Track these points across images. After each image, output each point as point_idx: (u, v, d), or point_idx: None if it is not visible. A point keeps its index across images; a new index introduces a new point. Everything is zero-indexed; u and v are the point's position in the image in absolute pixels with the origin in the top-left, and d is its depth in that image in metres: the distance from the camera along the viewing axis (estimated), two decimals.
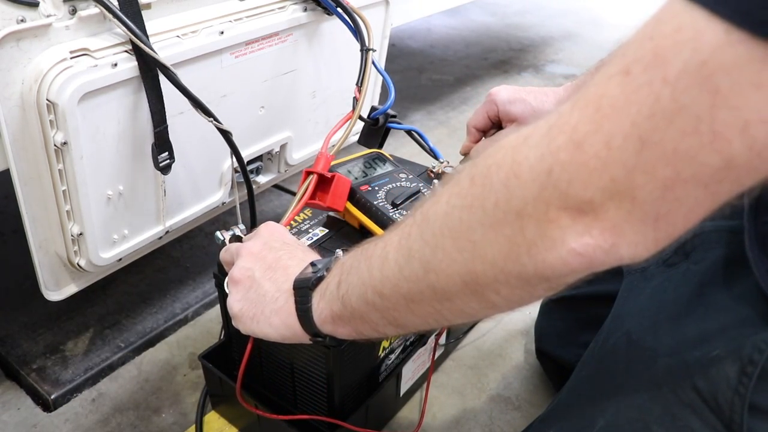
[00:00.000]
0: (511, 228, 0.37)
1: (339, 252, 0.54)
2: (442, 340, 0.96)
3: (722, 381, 0.51)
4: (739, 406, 0.50)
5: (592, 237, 0.35)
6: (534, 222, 0.36)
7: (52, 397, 0.91)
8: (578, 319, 0.89)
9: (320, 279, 0.52)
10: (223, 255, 0.64)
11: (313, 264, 0.55)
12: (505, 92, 0.80)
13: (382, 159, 0.86)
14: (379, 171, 0.84)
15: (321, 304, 0.51)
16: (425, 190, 0.80)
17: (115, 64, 0.70)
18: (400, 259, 0.44)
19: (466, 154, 0.86)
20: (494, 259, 0.38)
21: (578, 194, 0.34)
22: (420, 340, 0.89)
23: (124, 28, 0.69)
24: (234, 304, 0.57)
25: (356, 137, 0.94)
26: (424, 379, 0.95)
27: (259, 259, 0.57)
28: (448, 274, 0.41)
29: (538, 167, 0.35)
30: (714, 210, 0.35)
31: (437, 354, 0.95)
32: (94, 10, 0.69)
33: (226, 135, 0.81)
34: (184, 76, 0.74)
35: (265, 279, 0.56)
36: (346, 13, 0.90)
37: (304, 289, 0.52)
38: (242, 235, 0.74)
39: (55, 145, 0.69)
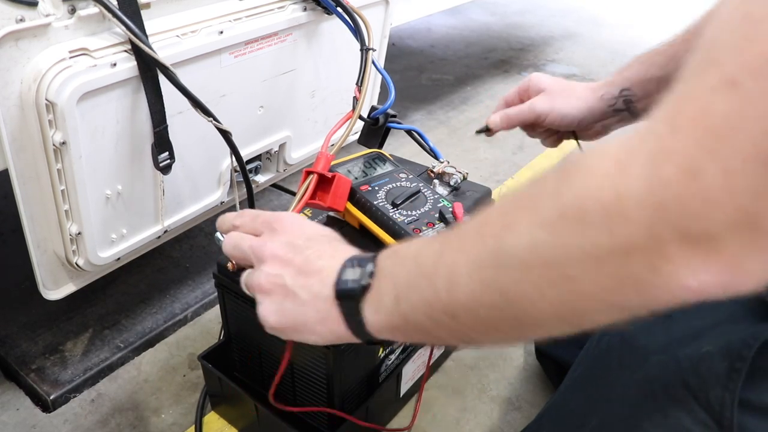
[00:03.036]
0: (616, 266, 0.33)
1: (371, 256, 0.50)
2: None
3: (712, 377, 0.51)
4: (729, 402, 0.50)
5: (710, 274, 0.31)
6: (644, 260, 0.32)
7: (52, 397, 0.90)
8: None
9: (366, 288, 0.48)
10: (232, 250, 0.57)
11: (348, 265, 0.50)
12: (546, 79, 0.83)
13: (382, 159, 0.86)
14: (379, 171, 0.83)
15: (376, 317, 0.47)
16: (425, 190, 0.80)
17: (115, 64, 0.70)
18: (474, 287, 0.40)
19: (487, 127, 0.87)
20: (595, 294, 0.35)
21: (696, 229, 0.31)
22: None
23: (123, 28, 0.68)
24: (269, 316, 0.53)
25: (356, 137, 0.94)
26: (423, 380, 0.95)
27: (285, 263, 0.52)
28: (539, 308, 0.37)
29: (647, 202, 0.31)
30: None
31: (437, 355, 0.95)
32: (94, 9, 0.69)
33: (225, 134, 0.81)
34: (183, 75, 0.74)
35: (298, 287, 0.51)
36: (345, 13, 0.90)
37: (349, 301, 0.48)
38: None
39: (53, 145, 0.69)
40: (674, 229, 0.31)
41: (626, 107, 0.73)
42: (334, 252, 0.53)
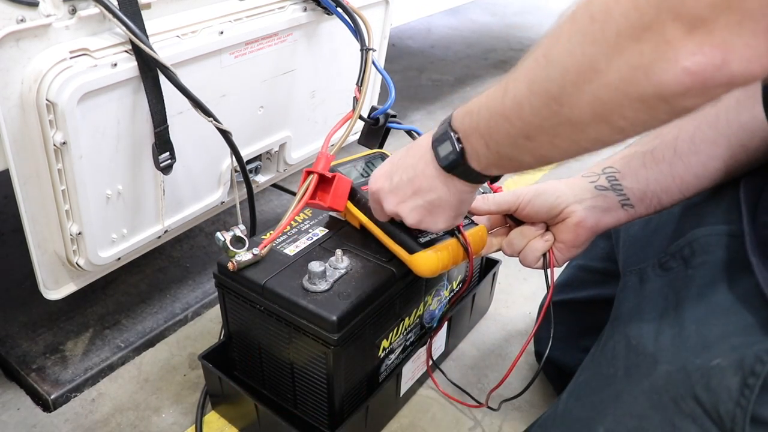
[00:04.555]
0: (631, 53, 0.40)
1: (445, 125, 0.58)
2: (438, 351, 0.96)
3: (723, 392, 0.51)
4: (740, 418, 0.50)
5: (703, 54, 0.37)
6: (651, 44, 0.39)
7: (52, 397, 0.91)
8: (578, 323, 0.89)
9: (462, 151, 0.56)
10: (373, 207, 0.71)
11: (435, 145, 0.59)
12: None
13: (383, 159, 0.86)
14: None
15: (480, 165, 0.56)
16: None
17: (115, 64, 0.70)
18: (535, 103, 0.47)
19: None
20: (617, 84, 0.41)
21: (689, 12, 0.36)
22: (420, 340, 0.89)
23: (123, 28, 0.69)
24: (408, 216, 0.64)
25: (356, 137, 0.94)
26: (423, 380, 0.95)
27: (392, 164, 0.65)
28: (580, 106, 0.44)
29: None
30: None
31: (437, 354, 0.95)
32: (94, 9, 0.69)
33: (225, 135, 0.81)
34: (183, 76, 0.74)
35: (416, 188, 0.62)
36: (346, 13, 0.90)
37: (459, 167, 0.57)
38: (243, 236, 0.74)
39: (54, 145, 0.69)
40: (673, 14, 0.37)
41: (610, 185, 0.71)
42: (411, 148, 0.63)
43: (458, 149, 0.56)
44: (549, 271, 0.73)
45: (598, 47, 0.42)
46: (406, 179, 0.63)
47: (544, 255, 0.73)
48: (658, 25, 0.38)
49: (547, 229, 0.73)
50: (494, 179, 0.60)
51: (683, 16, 0.37)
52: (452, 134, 0.56)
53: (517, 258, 0.76)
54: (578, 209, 0.70)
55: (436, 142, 0.59)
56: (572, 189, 0.72)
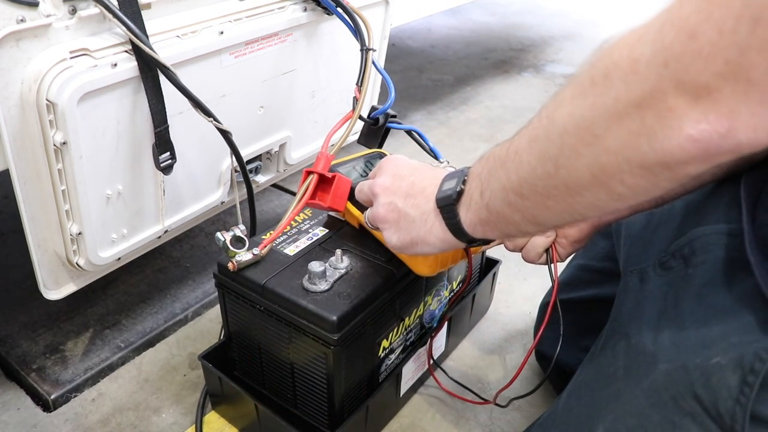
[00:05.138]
0: (632, 119, 0.39)
1: (466, 168, 0.57)
2: (438, 353, 0.96)
3: (723, 390, 0.51)
4: (740, 416, 0.50)
5: (708, 123, 0.36)
6: (653, 112, 0.38)
7: (52, 397, 0.91)
8: (578, 323, 0.89)
9: (461, 193, 0.56)
10: (358, 195, 0.70)
11: (446, 179, 0.59)
12: None
13: (381, 159, 0.86)
14: None
15: (468, 215, 0.55)
16: None
17: (115, 64, 0.70)
18: (532, 161, 0.47)
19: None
20: (617, 150, 0.41)
21: (694, 81, 0.36)
22: (420, 340, 0.89)
23: (123, 28, 0.69)
24: (391, 237, 0.62)
25: (356, 137, 0.94)
26: (423, 380, 0.95)
27: (395, 191, 0.62)
28: (577, 168, 0.44)
29: (654, 61, 0.37)
30: None
31: (438, 354, 0.95)
32: (94, 10, 0.69)
33: (225, 135, 0.81)
34: (183, 76, 0.74)
35: (408, 207, 0.61)
36: (346, 13, 0.90)
37: (448, 207, 0.56)
38: (243, 236, 0.74)
39: (54, 145, 0.69)
40: (677, 83, 0.36)
41: None
42: (434, 174, 0.62)
43: (458, 189, 0.56)
44: (552, 266, 0.73)
45: (596, 112, 0.41)
46: (409, 182, 0.62)
47: (547, 250, 0.73)
48: (660, 93, 0.37)
49: None
50: (472, 243, 0.59)
51: (687, 84, 0.36)
52: (464, 174, 0.56)
53: (520, 254, 0.76)
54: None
55: (448, 176, 0.58)
56: None
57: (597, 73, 0.42)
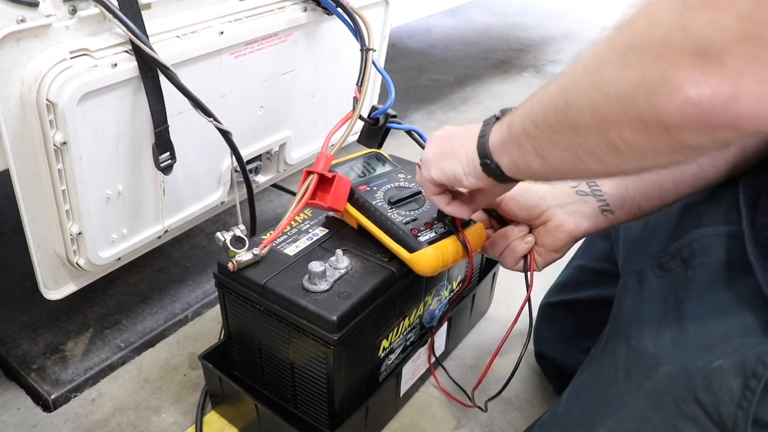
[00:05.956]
0: (636, 69, 0.38)
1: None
2: (439, 350, 0.96)
3: (725, 394, 0.50)
4: (742, 420, 0.49)
5: (710, 86, 0.35)
6: (656, 64, 0.37)
7: (52, 397, 0.91)
8: (578, 324, 0.89)
9: (504, 113, 0.57)
10: (419, 181, 0.70)
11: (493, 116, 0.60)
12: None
13: (381, 159, 0.86)
14: (378, 171, 0.84)
15: (495, 135, 0.57)
16: None
17: (115, 65, 0.70)
18: (554, 93, 0.48)
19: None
20: (618, 98, 0.40)
21: (701, 36, 0.34)
22: (420, 339, 0.89)
23: (123, 28, 0.69)
24: (428, 150, 0.65)
25: (356, 137, 0.94)
26: (423, 380, 0.95)
27: (449, 134, 0.65)
28: (582, 109, 0.44)
29: (670, 11, 0.36)
30: None
31: (438, 353, 0.95)
32: (94, 10, 0.69)
33: (225, 135, 0.81)
34: (183, 76, 0.74)
35: (459, 130, 0.64)
36: (346, 13, 0.90)
37: (489, 121, 0.59)
38: (243, 236, 0.74)
39: (54, 145, 0.69)
40: (684, 36, 0.35)
41: (590, 190, 0.71)
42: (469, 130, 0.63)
43: (498, 115, 0.58)
44: (529, 274, 0.73)
45: (612, 53, 0.41)
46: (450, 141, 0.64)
47: (525, 258, 0.73)
48: (668, 47, 0.36)
49: (530, 232, 0.74)
50: (485, 166, 0.59)
51: (694, 37, 0.34)
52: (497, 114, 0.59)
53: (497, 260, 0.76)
54: (558, 213, 0.71)
55: (493, 118, 0.60)
56: (555, 192, 0.73)
57: (625, 23, 0.41)
